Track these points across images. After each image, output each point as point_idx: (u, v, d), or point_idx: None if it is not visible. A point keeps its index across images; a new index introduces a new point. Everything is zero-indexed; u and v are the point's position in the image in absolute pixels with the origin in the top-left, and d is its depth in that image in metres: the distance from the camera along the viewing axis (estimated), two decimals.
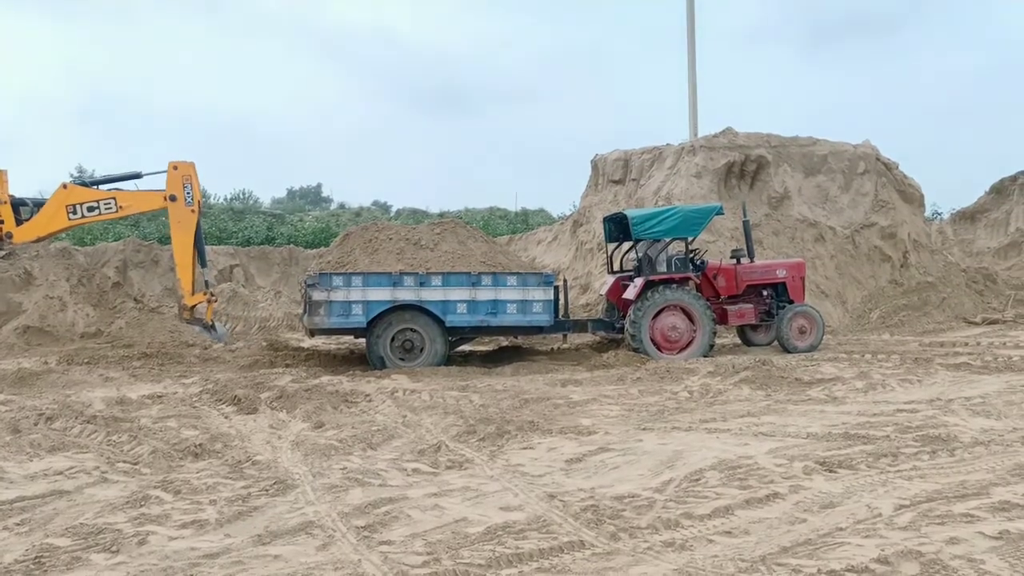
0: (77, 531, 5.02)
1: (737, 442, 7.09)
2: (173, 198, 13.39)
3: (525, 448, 7.09)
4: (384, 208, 49.86)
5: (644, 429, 7.76)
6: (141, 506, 5.53)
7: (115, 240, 22.83)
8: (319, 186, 65.92)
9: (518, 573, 4.28)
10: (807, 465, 6.25)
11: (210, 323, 13.74)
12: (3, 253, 15.42)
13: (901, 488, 5.65)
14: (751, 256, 13.74)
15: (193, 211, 13.42)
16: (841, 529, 4.87)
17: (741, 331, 14.12)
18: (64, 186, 14.02)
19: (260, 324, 19.10)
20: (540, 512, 5.30)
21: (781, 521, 5.04)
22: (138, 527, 5.10)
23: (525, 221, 35.39)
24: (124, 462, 6.79)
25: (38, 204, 14.85)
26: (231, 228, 30.09)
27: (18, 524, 5.26)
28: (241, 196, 43.76)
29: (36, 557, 4.62)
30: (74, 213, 13.58)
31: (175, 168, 13.45)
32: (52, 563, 4.55)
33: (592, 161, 20.68)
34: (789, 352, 12.79)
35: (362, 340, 12.55)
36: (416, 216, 38.82)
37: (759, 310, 13.45)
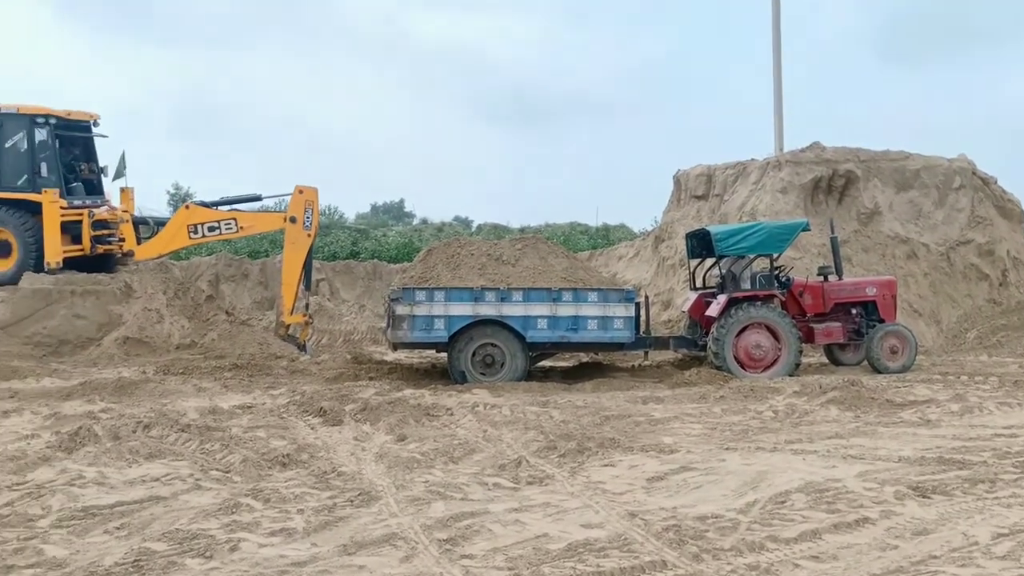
0: (173, 536, 5.22)
1: (824, 464, 6.93)
2: (293, 220, 13.91)
3: (606, 465, 7.07)
4: (465, 223, 50.31)
5: (727, 449, 7.65)
6: (233, 513, 5.72)
7: (208, 255, 23.66)
8: (402, 201, 66.95)
9: None
10: (899, 490, 6.06)
11: (302, 343, 14.14)
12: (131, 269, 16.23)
13: (999, 516, 5.44)
14: (839, 273, 13.41)
15: (309, 235, 13.94)
16: (935, 557, 4.71)
17: (828, 350, 13.77)
18: (187, 206, 14.74)
19: (344, 337, 19.48)
20: (621, 530, 5.28)
21: (871, 547, 4.91)
22: (230, 534, 5.27)
23: (606, 236, 35.21)
24: (216, 470, 7.02)
25: (159, 223, 15.59)
26: (317, 243, 30.71)
27: (118, 528, 5.50)
28: (327, 211, 44.72)
29: (135, 560, 4.83)
30: (195, 232, 14.24)
31: (300, 192, 13.98)
32: (150, 567, 4.74)
33: (674, 176, 20.49)
34: (880, 372, 12.42)
35: (444, 354, 12.68)
36: (497, 231, 39.04)
37: (847, 329, 13.09)
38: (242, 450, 7.59)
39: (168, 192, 43.54)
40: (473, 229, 46.06)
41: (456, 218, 52.96)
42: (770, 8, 21.77)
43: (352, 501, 6.03)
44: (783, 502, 5.85)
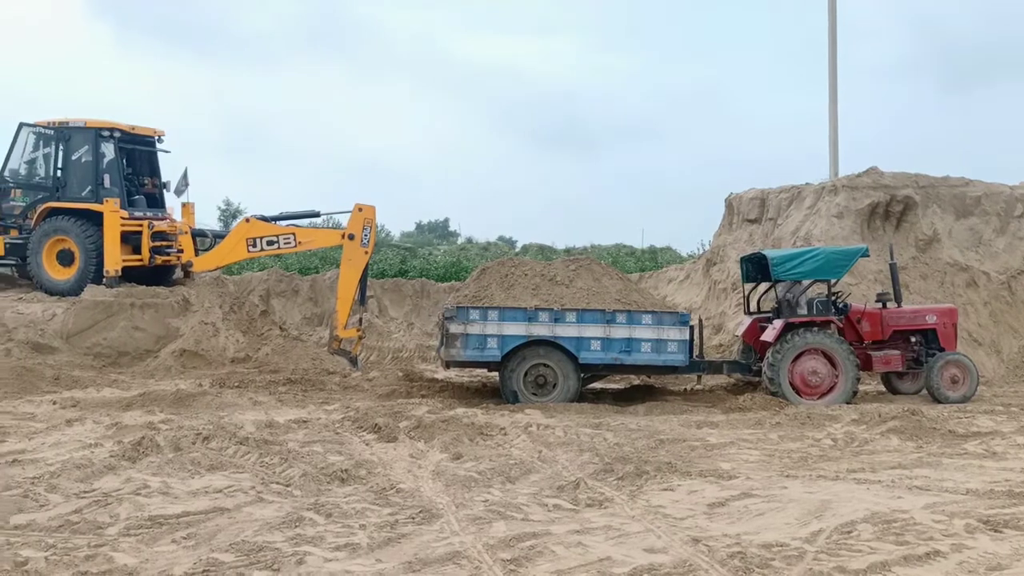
0: (240, 547, 5.28)
1: (890, 495, 6.79)
2: (351, 237, 14.17)
3: (665, 489, 7.01)
4: (510, 243, 50.37)
5: (788, 476, 7.54)
6: (296, 527, 5.77)
7: (260, 270, 24.01)
8: (447, 220, 67.42)
9: None
10: (969, 523, 5.92)
11: (354, 357, 14.30)
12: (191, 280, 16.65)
13: None
14: (898, 300, 13.19)
15: (367, 252, 14.18)
16: None
17: (886, 378, 13.52)
18: (247, 220, 15.04)
19: (393, 354, 19.61)
20: (685, 556, 5.23)
21: None
22: (295, 547, 5.32)
23: (653, 258, 35.03)
24: (277, 483, 7.09)
25: (218, 235, 16.00)
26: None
27: (184, 538, 5.58)
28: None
29: (204, 571, 4.89)
30: (253, 246, 14.56)
31: (360, 210, 14.27)
32: None
33: (726, 200, 20.36)
34: (940, 402, 12.15)
35: (495, 373, 12.69)
36: (544, 252, 39.03)
37: (906, 357, 12.84)
38: (301, 464, 7.65)
39: (219, 207, 44.34)
40: (518, 249, 46.08)
41: (500, 237, 53.04)
42: (826, 32, 21.62)
43: (413, 518, 6.05)
44: (849, 532, 5.74)
